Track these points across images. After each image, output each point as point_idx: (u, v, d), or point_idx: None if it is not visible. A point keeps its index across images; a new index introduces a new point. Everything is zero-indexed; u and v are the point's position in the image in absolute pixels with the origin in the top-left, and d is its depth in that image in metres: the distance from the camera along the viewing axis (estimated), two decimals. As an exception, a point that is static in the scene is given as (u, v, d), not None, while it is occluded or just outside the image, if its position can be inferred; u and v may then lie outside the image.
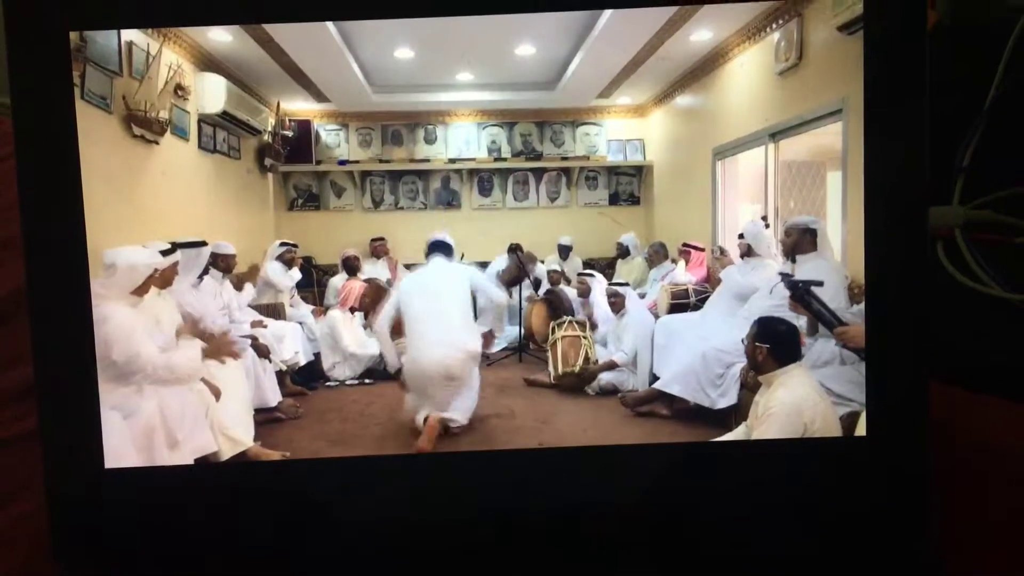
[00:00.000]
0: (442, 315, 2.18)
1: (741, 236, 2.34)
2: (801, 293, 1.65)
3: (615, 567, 1.18)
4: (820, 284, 1.66)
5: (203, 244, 2.11)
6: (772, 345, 1.59)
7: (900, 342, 1.18)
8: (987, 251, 1.40)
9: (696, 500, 1.23)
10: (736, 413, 1.96)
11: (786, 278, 1.76)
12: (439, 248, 2.29)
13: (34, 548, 1.15)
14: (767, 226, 2.29)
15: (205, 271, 2.16)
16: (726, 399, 2.01)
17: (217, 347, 1.80)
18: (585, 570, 1.18)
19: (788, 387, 1.56)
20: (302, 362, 2.43)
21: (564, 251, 3.03)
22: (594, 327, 2.61)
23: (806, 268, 1.95)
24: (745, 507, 1.21)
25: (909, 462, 1.18)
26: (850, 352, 1.59)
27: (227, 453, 1.74)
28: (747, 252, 2.30)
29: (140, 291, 1.64)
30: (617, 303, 2.54)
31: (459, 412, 2.09)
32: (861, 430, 1.24)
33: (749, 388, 1.84)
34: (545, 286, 2.89)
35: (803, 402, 1.51)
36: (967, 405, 1.27)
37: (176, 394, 1.64)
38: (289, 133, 2.83)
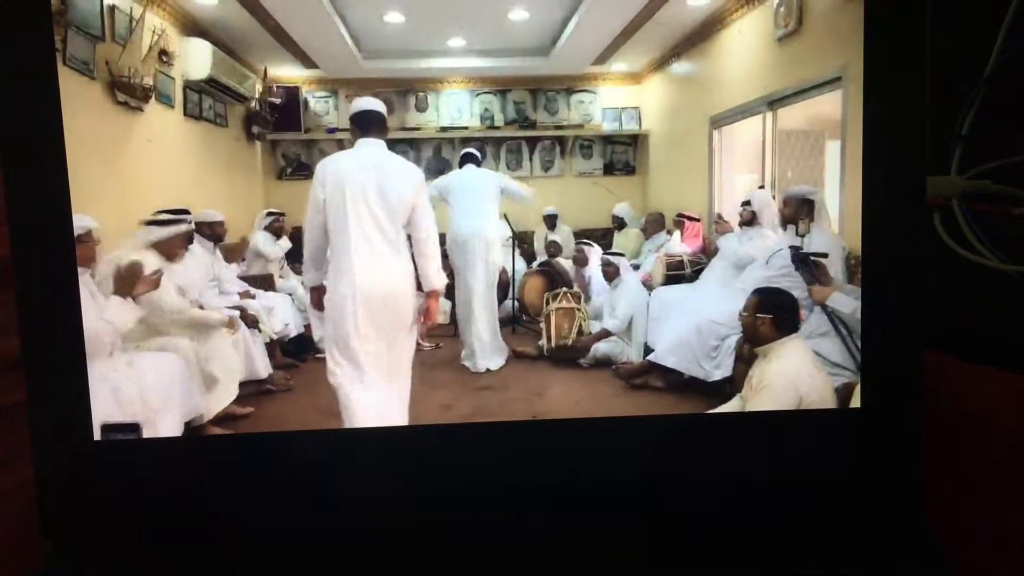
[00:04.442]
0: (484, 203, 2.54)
1: (745, 204, 2.32)
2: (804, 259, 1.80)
3: (608, 539, 1.19)
4: (825, 256, 1.77)
5: (184, 212, 2.07)
6: (770, 316, 1.59)
7: (896, 313, 1.17)
8: (984, 222, 1.40)
9: (690, 472, 1.23)
10: (731, 385, 1.96)
11: (794, 250, 1.85)
12: (470, 158, 2.59)
13: (22, 524, 1.15)
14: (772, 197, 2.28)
15: (190, 240, 2.12)
16: (721, 371, 2.01)
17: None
18: (578, 542, 1.18)
19: (784, 359, 1.56)
20: (292, 333, 2.41)
21: (550, 221, 3.00)
22: (588, 299, 2.60)
23: (807, 237, 1.95)
24: (739, 479, 1.22)
25: (904, 433, 1.18)
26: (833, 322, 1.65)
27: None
28: (749, 221, 2.29)
29: None
30: (611, 271, 2.53)
31: None
32: (857, 402, 1.24)
33: (744, 360, 1.85)
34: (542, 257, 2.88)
35: (798, 374, 1.51)
36: (963, 376, 1.27)
37: (146, 359, 1.65)
38: (277, 100, 2.77)
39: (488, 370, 2.40)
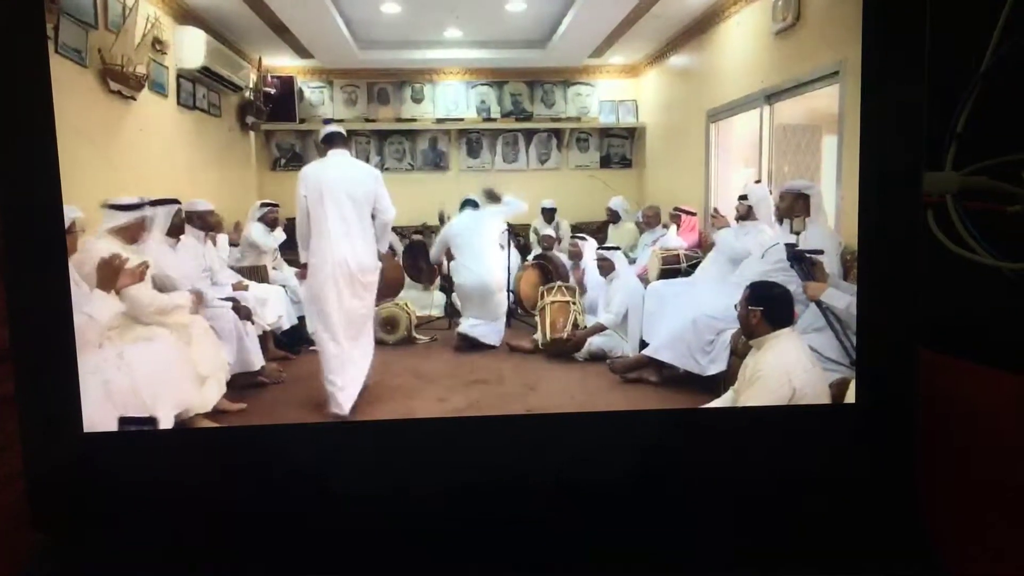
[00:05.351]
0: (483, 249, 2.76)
1: (742, 198, 2.31)
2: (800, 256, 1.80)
3: (602, 533, 1.19)
4: (821, 253, 1.77)
5: (174, 202, 2.06)
6: (765, 308, 1.59)
7: (890, 309, 1.17)
8: (977, 219, 1.39)
9: (684, 467, 1.23)
10: (725, 379, 1.96)
11: (790, 248, 1.85)
12: (469, 203, 2.81)
13: (12, 517, 1.14)
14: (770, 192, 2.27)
15: (181, 230, 2.11)
16: (716, 365, 2.01)
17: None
18: (572, 536, 1.18)
19: (777, 352, 1.56)
20: (286, 326, 2.40)
21: (548, 214, 3.00)
22: (583, 292, 2.60)
23: (803, 234, 1.95)
24: (733, 474, 1.22)
25: (897, 429, 1.18)
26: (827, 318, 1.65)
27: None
28: (745, 215, 2.28)
29: None
30: (606, 266, 2.53)
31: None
32: (851, 397, 1.24)
33: (739, 355, 1.84)
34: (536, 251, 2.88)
35: (793, 367, 1.51)
36: (956, 373, 1.27)
37: (137, 351, 1.63)
38: (271, 90, 2.76)
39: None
